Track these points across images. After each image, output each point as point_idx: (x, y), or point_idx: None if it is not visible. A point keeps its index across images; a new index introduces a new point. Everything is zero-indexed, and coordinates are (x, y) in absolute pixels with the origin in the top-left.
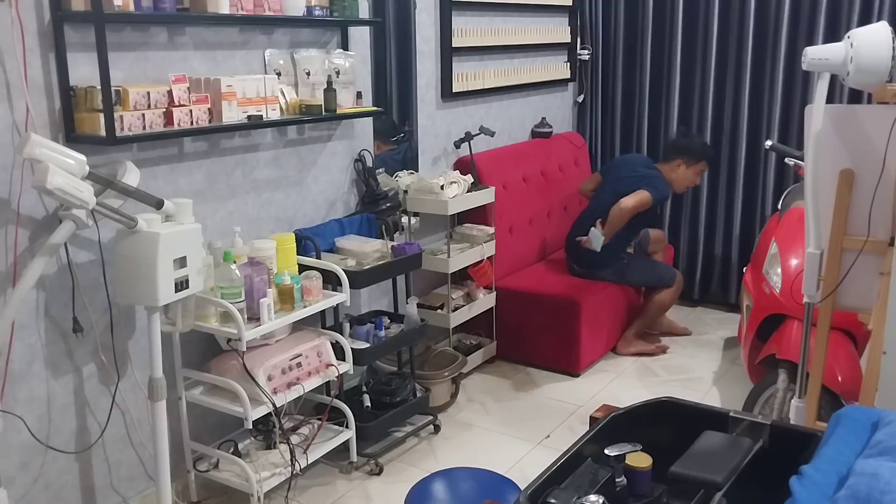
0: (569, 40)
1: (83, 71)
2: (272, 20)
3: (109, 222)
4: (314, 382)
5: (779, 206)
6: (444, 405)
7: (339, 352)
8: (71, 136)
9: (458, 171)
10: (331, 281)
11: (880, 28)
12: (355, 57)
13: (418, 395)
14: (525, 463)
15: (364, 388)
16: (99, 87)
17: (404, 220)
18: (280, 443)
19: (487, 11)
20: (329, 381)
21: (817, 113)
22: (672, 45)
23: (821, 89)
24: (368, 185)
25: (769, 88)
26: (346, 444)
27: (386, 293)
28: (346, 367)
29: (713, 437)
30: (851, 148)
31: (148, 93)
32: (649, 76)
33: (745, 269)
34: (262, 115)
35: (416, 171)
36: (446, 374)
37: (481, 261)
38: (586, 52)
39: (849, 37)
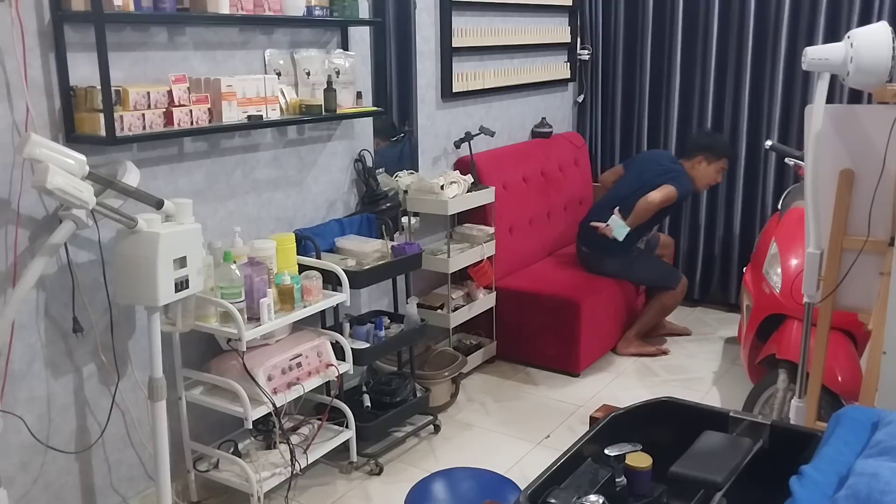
0: (569, 40)
1: (83, 71)
2: (272, 20)
3: (109, 222)
4: (314, 382)
5: (779, 206)
6: (444, 405)
7: (339, 352)
8: (71, 136)
9: (458, 171)
10: (331, 281)
11: (880, 28)
12: (355, 57)
13: (418, 395)
14: (525, 463)
15: (364, 388)
16: (99, 87)
17: (404, 220)
18: (280, 443)
19: (487, 11)
20: (329, 381)
21: (817, 113)
22: (672, 45)
23: (821, 89)
24: (368, 185)
25: (769, 88)
26: (346, 444)
27: (386, 293)
28: (346, 367)
29: (713, 437)
30: (851, 148)
31: (148, 93)
32: (649, 76)
33: (745, 269)
34: (262, 115)
35: (416, 170)
36: (446, 374)
37: (481, 261)
38: (586, 52)
39: (849, 37)
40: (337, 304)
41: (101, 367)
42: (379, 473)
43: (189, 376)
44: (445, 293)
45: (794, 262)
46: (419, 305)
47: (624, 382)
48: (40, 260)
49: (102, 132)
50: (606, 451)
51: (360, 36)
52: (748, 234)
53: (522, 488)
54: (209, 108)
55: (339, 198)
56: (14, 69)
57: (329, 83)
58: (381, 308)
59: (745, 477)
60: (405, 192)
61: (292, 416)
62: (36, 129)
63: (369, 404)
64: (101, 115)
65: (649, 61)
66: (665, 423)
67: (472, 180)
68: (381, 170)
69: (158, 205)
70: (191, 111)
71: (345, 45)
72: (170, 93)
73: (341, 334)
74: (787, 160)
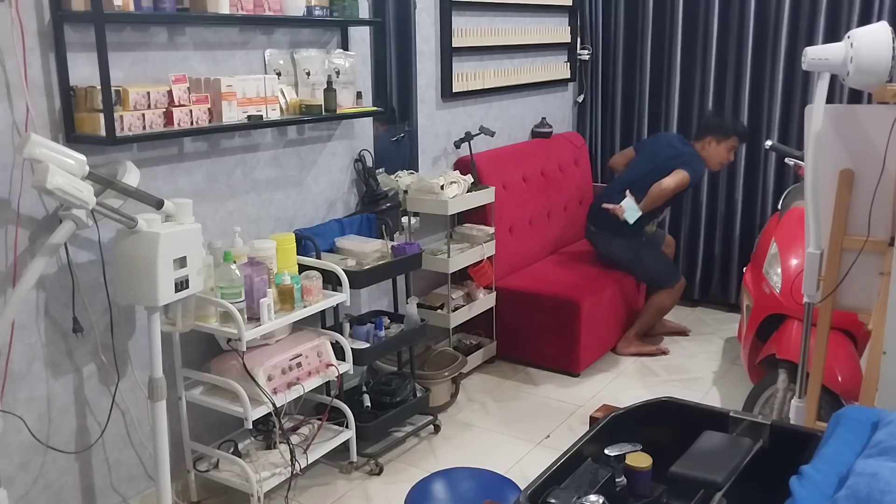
0: (569, 40)
1: (83, 71)
2: (272, 20)
3: (109, 222)
4: (314, 382)
5: (779, 206)
6: (444, 405)
7: (339, 352)
8: (71, 136)
9: (458, 171)
10: (331, 281)
11: (880, 28)
12: (355, 57)
13: (418, 395)
14: (525, 463)
15: (364, 388)
16: (99, 87)
17: (404, 220)
18: (280, 443)
19: (487, 11)
20: (329, 381)
21: (817, 113)
22: (672, 45)
23: (821, 89)
24: (368, 185)
25: (769, 88)
26: (346, 444)
27: (386, 293)
28: (346, 367)
29: (713, 437)
30: (851, 148)
31: (148, 93)
32: (649, 76)
33: (745, 269)
34: (262, 115)
35: (416, 170)
36: (446, 374)
37: (481, 261)
38: (586, 52)
39: (849, 37)
40: (337, 304)
41: (101, 367)
42: (379, 473)
43: (189, 376)
44: (445, 293)
45: (794, 262)
46: (419, 305)
47: (624, 382)
48: (40, 260)
49: (102, 132)
50: (606, 451)
51: (360, 36)
52: (748, 234)
53: (522, 488)
54: (209, 108)
55: (339, 198)
56: (14, 69)
57: (329, 83)
58: (381, 308)
59: (745, 477)
60: (405, 192)
61: (292, 416)
62: (36, 129)
63: (369, 404)
64: (101, 115)
65: (649, 61)
66: (665, 423)
67: (472, 180)
68: (381, 170)
69: (158, 205)
70: (191, 111)
71: (345, 45)
72: (170, 93)
73: (341, 334)
74: (787, 160)
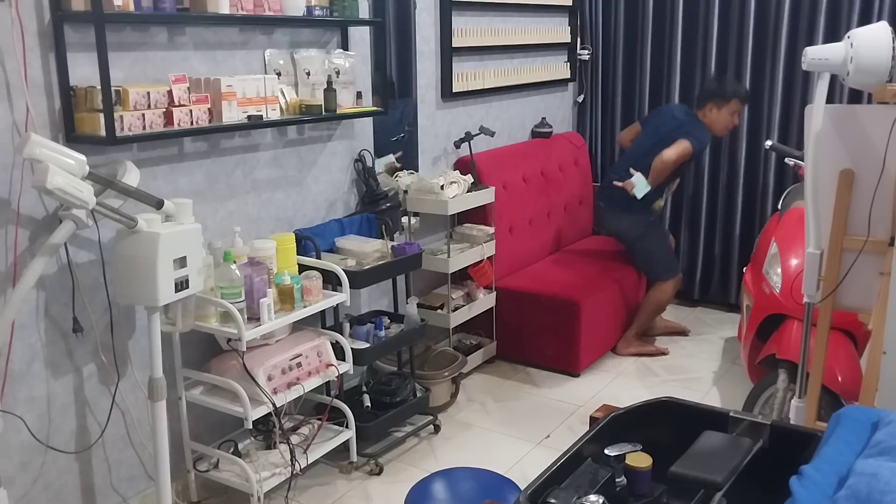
0: (569, 40)
1: (83, 71)
2: (272, 20)
3: (109, 222)
4: (314, 382)
5: (779, 206)
6: (444, 405)
7: (339, 352)
8: (71, 136)
9: (458, 171)
10: (331, 281)
11: (880, 28)
12: (355, 57)
13: (418, 395)
14: (525, 463)
15: (364, 388)
16: (99, 87)
17: (404, 220)
18: (280, 443)
19: (487, 11)
20: (329, 381)
21: (817, 113)
22: (672, 45)
23: (821, 89)
24: (368, 185)
25: (769, 88)
26: (346, 444)
27: (386, 293)
28: (346, 367)
29: (713, 437)
30: (851, 148)
31: (148, 93)
32: (649, 76)
33: (745, 269)
34: (262, 115)
35: (416, 170)
36: (446, 374)
37: (481, 261)
38: (586, 52)
39: (849, 37)
40: (337, 304)
41: (101, 367)
42: (379, 473)
43: (189, 376)
44: (445, 293)
45: (794, 262)
46: (419, 305)
47: (624, 382)
48: (40, 260)
49: (102, 132)
50: (606, 451)
51: (360, 36)
52: (748, 234)
53: (522, 488)
54: (209, 108)
55: (339, 198)
56: (14, 69)
57: (329, 83)
58: (381, 308)
59: (745, 477)
60: (405, 192)
61: (292, 416)
62: (36, 129)
63: (369, 404)
64: (101, 115)
65: (649, 61)
66: (665, 423)
67: (472, 180)
68: (380, 170)
69: (158, 205)
70: (191, 111)
71: (345, 45)
72: (170, 93)
73: (341, 334)
74: (787, 160)
